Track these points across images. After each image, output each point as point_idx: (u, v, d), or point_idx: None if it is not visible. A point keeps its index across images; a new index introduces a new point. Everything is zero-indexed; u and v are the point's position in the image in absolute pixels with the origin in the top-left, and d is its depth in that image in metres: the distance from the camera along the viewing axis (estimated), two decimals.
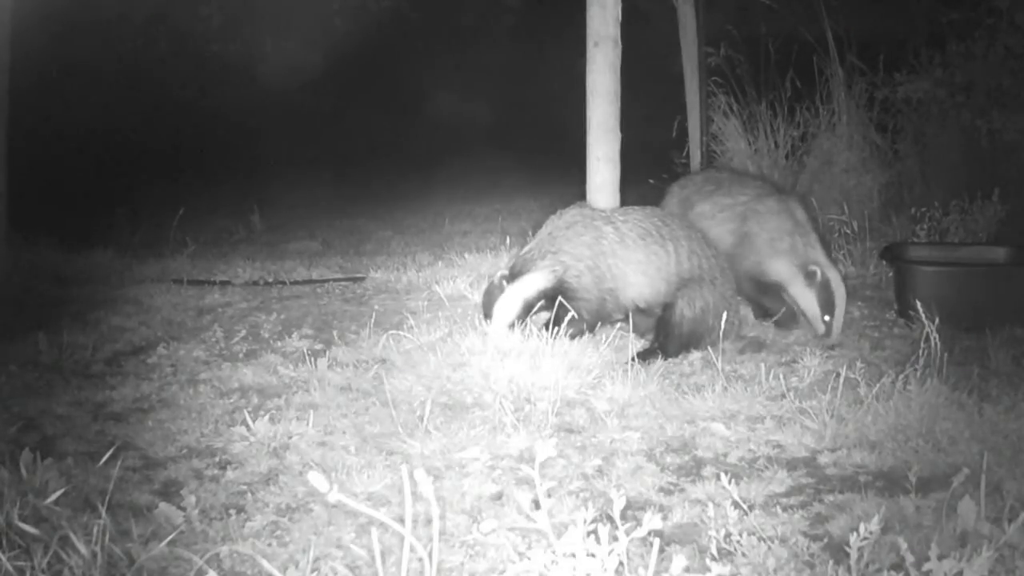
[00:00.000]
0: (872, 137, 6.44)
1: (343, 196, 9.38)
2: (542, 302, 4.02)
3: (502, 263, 5.35)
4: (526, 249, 4.14)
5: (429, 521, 1.94)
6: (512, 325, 3.93)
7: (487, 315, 4.01)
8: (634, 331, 4.13)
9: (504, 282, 4.00)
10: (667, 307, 4.04)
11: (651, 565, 1.92)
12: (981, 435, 2.96)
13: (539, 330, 3.84)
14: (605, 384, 3.55)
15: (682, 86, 6.05)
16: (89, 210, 7.77)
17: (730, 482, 2.50)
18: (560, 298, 3.92)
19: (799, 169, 6.39)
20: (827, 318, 4.12)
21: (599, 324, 4.11)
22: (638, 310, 4.07)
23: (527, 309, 3.99)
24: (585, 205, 4.34)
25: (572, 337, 3.83)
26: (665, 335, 4.03)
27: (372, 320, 4.34)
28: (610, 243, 4.04)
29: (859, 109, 6.43)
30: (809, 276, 4.12)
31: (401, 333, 4.04)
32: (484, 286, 4.14)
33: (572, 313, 3.83)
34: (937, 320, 3.49)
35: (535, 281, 3.99)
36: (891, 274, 4.91)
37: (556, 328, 3.81)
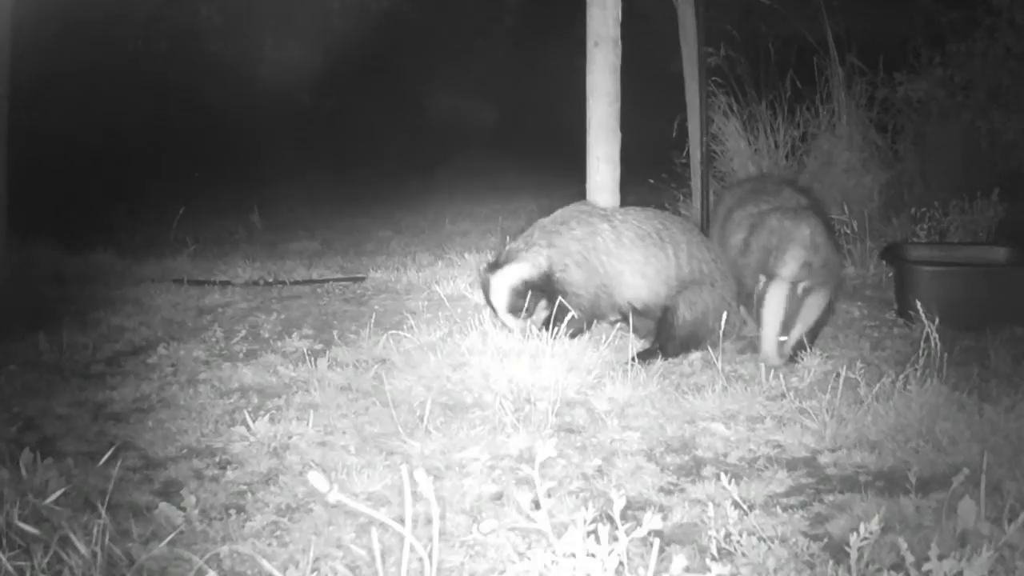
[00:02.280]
0: (872, 137, 6.44)
1: (343, 196, 9.38)
2: (531, 292, 4.00)
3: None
4: (517, 240, 4.14)
5: (429, 521, 1.94)
6: (515, 311, 3.96)
7: (489, 303, 4.06)
8: (634, 333, 4.13)
9: (487, 274, 4.02)
10: (667, 309, 4.03)
11: (651, 565, 1.92)
12: (981, 435, 2.96)
13: (539, 330, 3.85)
14: (605, 384, 3.55)
15: (682, 86, 6.04)
16: (89, 210, 7.77)
17: (730, 482, 2.50)
18: (560, 298, 3.92)
19: (799, 169, 6.38)
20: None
21: (595, 321, 4.09)
22: (636, 311, 4.06)
23: (519, 295, 3.99)
24: (586, 203, 4.34)
25: (572, 336, 3.83)
26: (665, 337, 4.03)
27: (372, 320, 4.34)
28: (605, 240, 4.03)
29: (859, 109, 6.42)
30: (758, 281, 3.93)
31: (401, 333, 4.04)
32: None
33: (572, 313, 3.83)
34: (937, 320, 3.49)
35: (518, 271, 3.99)
36: (891, 274, 4.91)
37: (556, 327, 3.81)
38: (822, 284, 3.92)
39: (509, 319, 3.99)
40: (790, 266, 3.88)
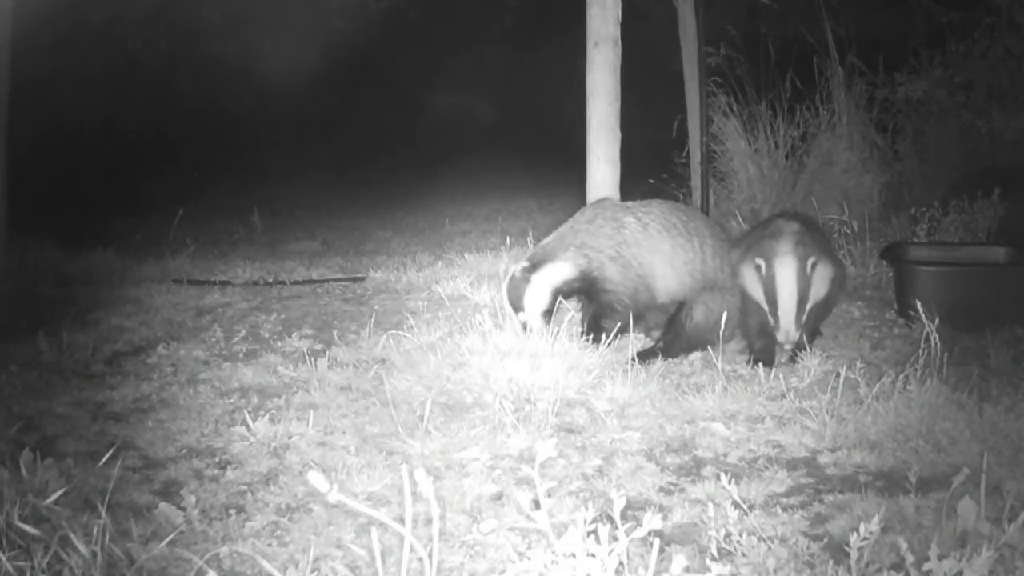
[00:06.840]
0: (872, 137, 6.44)
1: (343, 196, 9.39)
2: (564, 296, 4.00)
3: (502, 263, 5.36)
4: (545, 242, 4.13)
5: (429, 521, 1.94)
6: (545, 314, 3.94)
7: (517, 307, 3.99)
8: (638, 327, 4.11)
9: (527, 274, 3.97)
10: (683, 306, 4.03)
11: (651, 565, 1.92)
12: (981, 435, 2.96)
13: (582, 334, 3.85)
14: (605, 384, 3.55)
15: (682, 86, 6.05)
16: (89, 210, 7.77)
17: (730, 482, 2.50)
18: (600, 296, 3.93)
19: (799, 169, 6.38)
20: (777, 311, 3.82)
21: (635, 318, 4.01)
22: (662, 305, 4.05)
23: (555, 298, 3.98)
24: (607, 199, 4.34)
25: (616, 336, 3.84)
26: (673, 335, 4.03)
27: (372, 320, 4.34)
28: (632, 233, 4.03)
29: (859, 109, 6.43)
30: (756, 269, 3.87)
31: (401, 333, 4.04)
32: (505, 281, 4.07)
33: (615, 306, 3.85)
34: (937, 320, 3.48)
35: (561, 270, 3.98)
36: (891, 274, 4.91)
37: (599, 328, 3.84)
38: (824, 256, 3.90)
39: (540, 320, 3.94)
40: (787, 241, 3.84)
